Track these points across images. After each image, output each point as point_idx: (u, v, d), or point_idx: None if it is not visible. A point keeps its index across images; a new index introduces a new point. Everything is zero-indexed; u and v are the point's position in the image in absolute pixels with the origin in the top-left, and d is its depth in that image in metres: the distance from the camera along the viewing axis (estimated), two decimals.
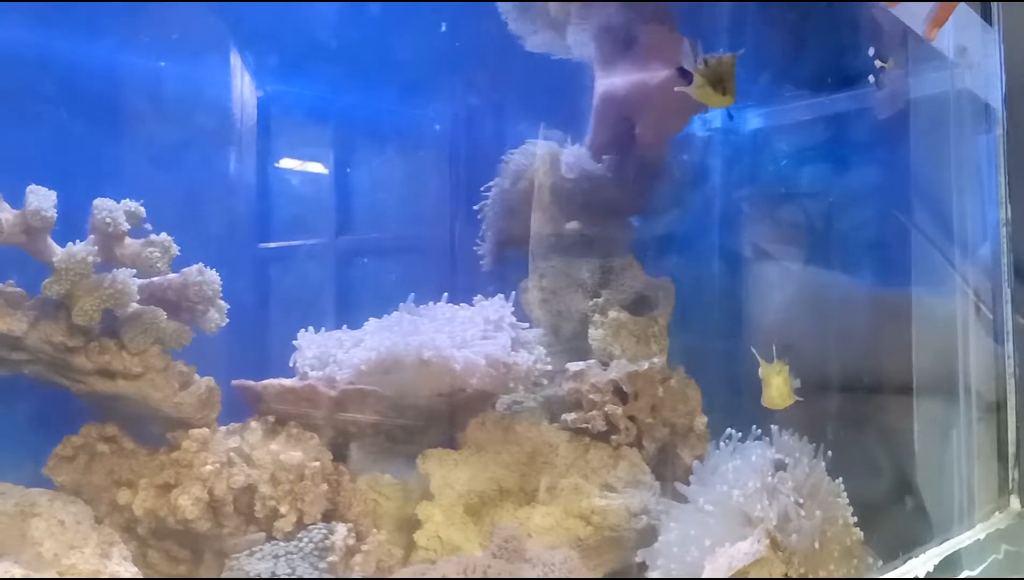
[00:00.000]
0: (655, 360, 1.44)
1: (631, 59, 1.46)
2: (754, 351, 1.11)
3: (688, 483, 1.27)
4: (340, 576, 1.08)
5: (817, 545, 1.17)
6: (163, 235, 1.13)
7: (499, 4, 1.48)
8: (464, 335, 1.31)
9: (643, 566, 1.20)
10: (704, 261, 1.73)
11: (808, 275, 1.77)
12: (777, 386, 1.07)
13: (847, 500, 1.27)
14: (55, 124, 1.24)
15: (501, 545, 1.09)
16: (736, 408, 1.70)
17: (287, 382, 1.24)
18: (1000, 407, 1.67)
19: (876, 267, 1.77)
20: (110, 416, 1.14)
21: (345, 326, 1.37)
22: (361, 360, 1.24)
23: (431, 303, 1.40)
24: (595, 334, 1.46)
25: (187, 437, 1.12)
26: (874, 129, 1.75)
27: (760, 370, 1.08)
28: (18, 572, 0.94)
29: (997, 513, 1.61)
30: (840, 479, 1.27)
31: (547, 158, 1.52)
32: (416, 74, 1.65)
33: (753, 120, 1.90)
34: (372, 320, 1.36)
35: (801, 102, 1.81)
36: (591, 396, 1.37)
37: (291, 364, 1.32)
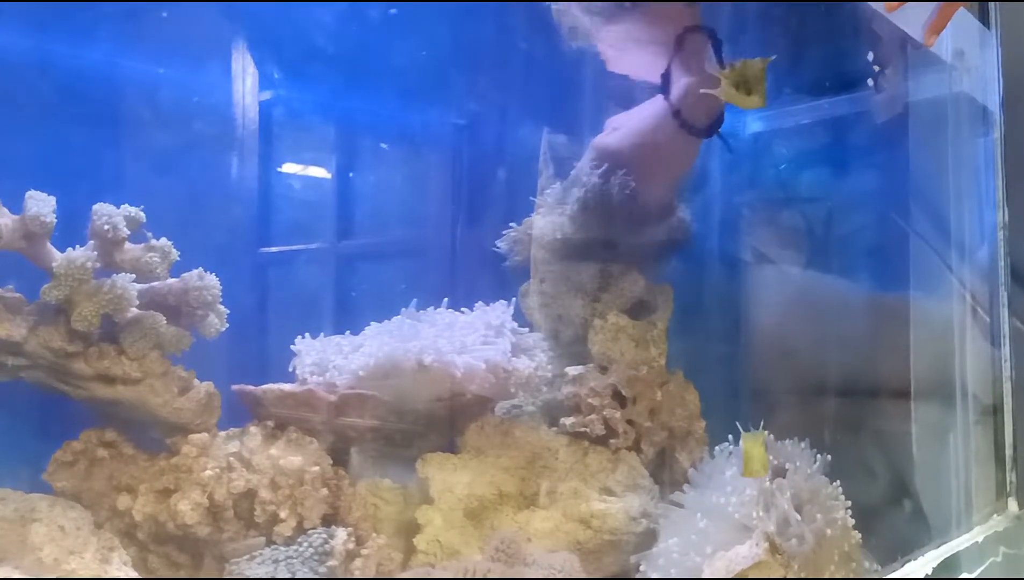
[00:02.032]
0: (654, 364, 1.44)
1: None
2: (738, 425, 1.15)
3: (690, 483, 1.28)
4: None
5: (816, 549, 1.18)
6: (163, 240, 1.13)
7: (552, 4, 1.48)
8: (464, 340, 1.31)
9: (642, 572, 1.20)
10: (703, 265, 1.73)
11: (806, 279, 1.77)
12: (759, 457, 1.10)
13: (846, 504, 1.27)
14: (55, 128, 1.24)
15: (498, 547, 1.09)
16: (735, 412, 1.71)
17: (287, 387, 1.24)
18: (997, 410, 1.67)
19: (874, 271, 1.77)
20: (110, 421, 1.14)
21: (348, 332, 1.37)
22: (359, 366, 1.24)
23: (431, 308, 1.40)
24: (594, 338, 1.46)
25: (187, 442, 1.12)
26: (872, 133, 1.75)
27: (742, 442, 1.11)
28: (17, 575, 0.94)
29: (995, 516, 1.61)
30: (838, 482, 1.27)
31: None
32: (418, 78, 1.65)
33: (752, 124, 1.90)
34: (373, 325, 1.36)
35: (799, 106, 1.82)
36: (590, 400, 1.37)
37: (290, 369, 1.32)
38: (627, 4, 1.39)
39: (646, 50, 1.45)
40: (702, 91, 1.12)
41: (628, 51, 1.49)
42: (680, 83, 1.41)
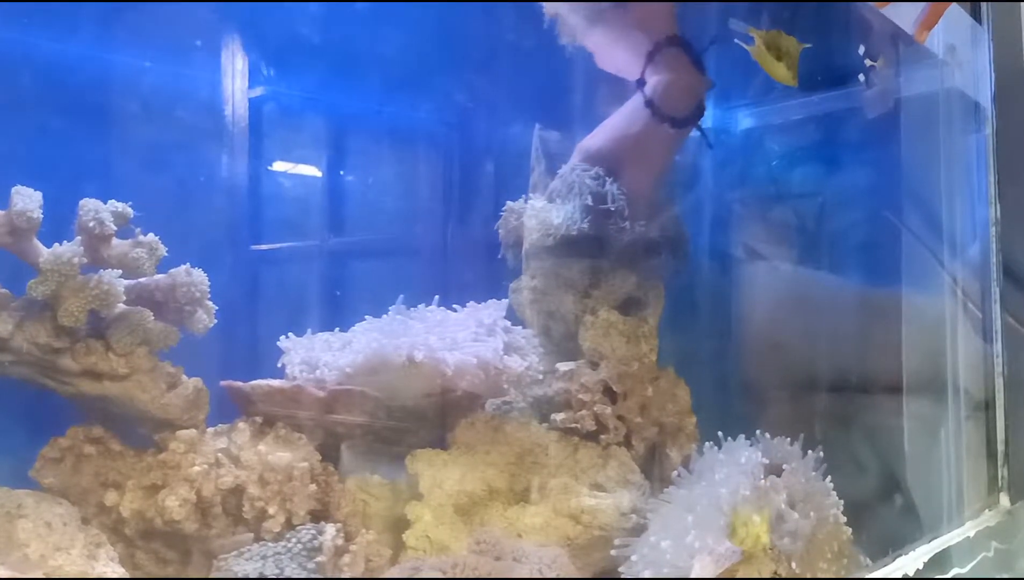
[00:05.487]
0: (645, 360, 1.44)
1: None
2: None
3: (676, 484, 1.27)
4: (328, 576, 1.08)
5: (809, 546, 1.17)
6: (150, 236, 1.13)
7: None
8: (455, 337, 1.31)
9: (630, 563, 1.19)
10: (694, 261, 1.73)
11: (798, 275, 1.77)
12: (766, 537, 1.09)
13: (838, 499, 1.27)
14: (41, 123, 1.24)
15: (479, 540, 1.09)
16: (726, 408, 1.71)
17: (275, 383, 1.24)
18: (989, 405, 1.67)
19: (866, 267, 1.77)
20: (97, 417, 1.13)
21: (337, 329, 1.37)
22: (347, 362, 1.24)
23: (422, 306, 1.40)
24: (585, 334, 1.46)
25: (174, 438, 1.12)
26: (864, 128, 1.75)
27: (750, 521, 1.10)
28: (4, 574, 0.94)
29: (987, 511, 1.61)
30: (829, 478, 1.27)
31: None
32: (410, 74, 1.65)
33: (743, 120, 1.90)
34: (366, 318, 1.36)
35: (791, 101, 1.82)
36: (580, 396, 1.37)
37: (279, 366, 1.32)
38: (609, 5, 1.39)
39: (627, 51, 1.46)
40: (736, 41, 1.13)
41: (612, 50, 1.50)
42: (654, 75, 1.42)
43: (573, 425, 1.36)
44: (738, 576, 1.13)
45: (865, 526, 1.32)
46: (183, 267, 1.15)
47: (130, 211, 1.11)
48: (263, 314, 1.48)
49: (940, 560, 1.36)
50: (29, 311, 1.07)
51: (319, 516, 1.16)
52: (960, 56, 1.74)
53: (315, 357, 1.30)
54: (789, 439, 1.30)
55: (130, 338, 1.10)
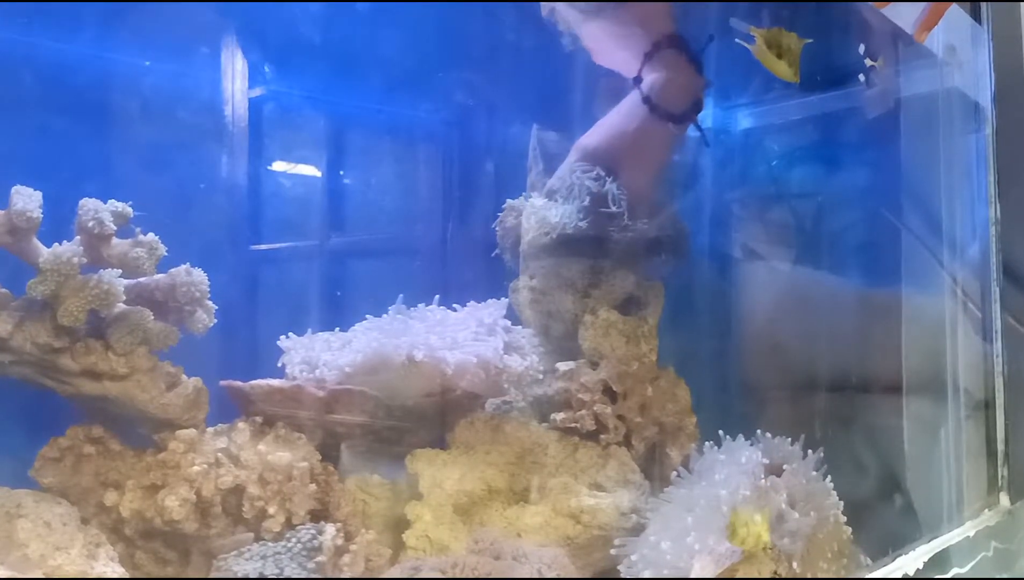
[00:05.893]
0: (645, 360, 1.44)
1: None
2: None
3: (676, 484, 1.27)
4: (328, 576, 1.08)
5: (809, 546, 1.17)
6: (150, 235, 1.13)
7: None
8: (456, 336, 1.31)
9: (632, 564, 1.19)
10: (694, 261, 1.73)
11: (798, 275, 1.77)
12: (766, 536, 1.08)
13: (838, 499, 1.27)
14: (42, 123, 1.24)
15: (477, 539, 1.09)
16: (726, 408, 1.71)
17: (275, 383, 1.24)
18: (989, 405, 1.67)
19: (866, 267, 1.77)
20: (97, 417, 1.13)
21: (337, 328, 1.37)
22: (347, 362, 1.24)
23: (422, 305, 1.40)
24: (585, 334, 1.46)
25: (174, 438, 1.12)
26: (864, 128, 1.75)
27: (751, 521, 1.09)
28: (4, 574, 0.94)
29: (987, 510, 1.61)
30: (829, 478, 1.27)
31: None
32: (409, 73, 1.65)
33: (743, 120, 1.90)
34: (367, 318, 1.36)
35: (791, 101, 1.82)
36: (580, 396, 1.37)
37: (279, 365, 1.32)
38: (608, 4, 1.40)
39: (624, 48, 1.47)
40: (736, 40, 1.14)
41: (609, 46, 1.50)
42: (652, 71, 1.42)
43: (573, 425, 1.36)
44: (738, 576, 1.13)
45: (865, 525, 1.32)
46: (183, 267, 1.15)
47: (130, 211, 1.11)
48: (263, 314, 1.48)
49: (940, 560, 1.36)
50: (29, 311, 1.07)
51: (319, 516, 1.16)
52: (960, 56, 1.74)
53: (315, 356, 1.30)
54: (789, 439, 1.30)
55: (130, 338, 1.10)
